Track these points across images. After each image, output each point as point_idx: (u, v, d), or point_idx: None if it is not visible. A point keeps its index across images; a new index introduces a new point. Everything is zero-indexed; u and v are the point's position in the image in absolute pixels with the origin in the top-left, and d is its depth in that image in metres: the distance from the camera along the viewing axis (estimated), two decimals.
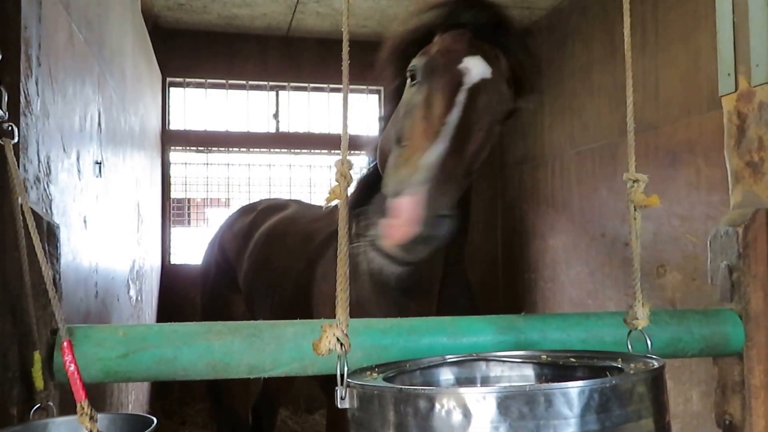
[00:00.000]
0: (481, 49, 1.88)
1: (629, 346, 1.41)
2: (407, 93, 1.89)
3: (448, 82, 1.79)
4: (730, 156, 1.86)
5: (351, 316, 1.18)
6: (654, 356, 1.20)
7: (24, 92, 1.54)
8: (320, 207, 3.71)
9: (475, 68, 1.82)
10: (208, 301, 3.85)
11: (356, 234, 2.07)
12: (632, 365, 1.16)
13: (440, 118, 1.71)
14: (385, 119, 2.18)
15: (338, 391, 1.10)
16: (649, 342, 1.39)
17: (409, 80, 1.90)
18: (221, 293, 3.66)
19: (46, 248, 1.41)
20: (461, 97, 1.76)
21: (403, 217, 1.48)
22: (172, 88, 6.06)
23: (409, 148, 1.72)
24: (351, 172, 1.18)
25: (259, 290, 3.18)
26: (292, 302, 2.77)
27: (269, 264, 3.16)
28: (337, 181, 1.16)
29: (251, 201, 4.58)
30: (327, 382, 2.21)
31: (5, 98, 1.40)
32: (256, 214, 3.70)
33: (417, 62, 1.87)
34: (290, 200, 4.14)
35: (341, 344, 1.13)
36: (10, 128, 1.40)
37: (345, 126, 1.20)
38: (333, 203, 1.20)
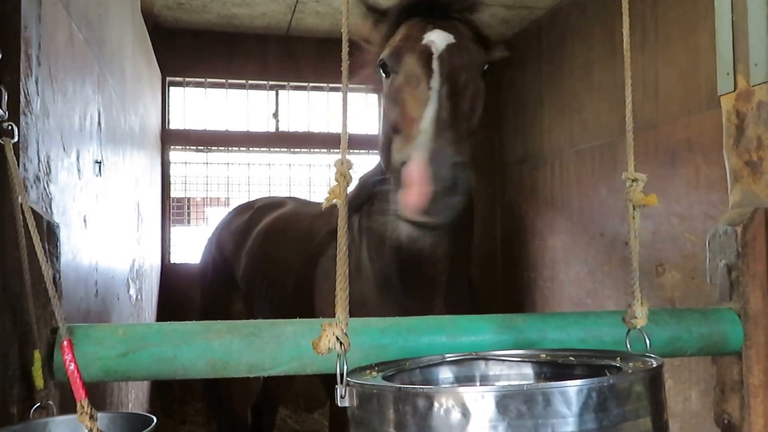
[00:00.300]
0: (437, 24, 1.96)
1: (628, 345, 1.42)
2: (386, 87, 1.97)
3: (419, 58, 1.86)
4: (729, 155, 1.86)
5: (353, 316, 1.18)
6: (653, 355, 1.20)
7: (24, 91, 1.54)
8: (317, 203, 3.76)
9: (438, 38, 1.90)
10: (207, 299, 3.86)
11: (376, 212, 2.12)
12: (631, 364, 1.16)
13: (425, 87, 1.77)
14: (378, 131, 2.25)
15: (338, 390, 1.10)
16: (647, 341, 1.39)
17: (383, 75, 1.97)
18: (220, 291, 3.67)
19: (46, 247, 1.42)
20: (436, 64, 1.83)
21: (415, 179, 1.49)
22: (171, 88, 6.06)
23: (405, 125, 1.78)
24: (350, 171, 1.18)
25: (259, 287, 3.19)
26: (292, 299, 2.78)
27: (268, 261, 3.17)
28: (336, 180, 1.17)
29: (248, 200, 4.59)
30: (329, 380, 2.23)
31: (5, 97, 1.40)
32: (253, 212, 3.71)
33: (384, 55, 1.95)
34: (287, 198, 4.15)
35: (341, 343, 1.13)
36: (10, 127, 1.40)
37: (344, 125, 1.20)
38: (332, 203, 1.20)
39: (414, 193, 1.50)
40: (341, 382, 1.11)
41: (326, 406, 5.24)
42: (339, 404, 1.10)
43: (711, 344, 1.71)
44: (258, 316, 3.23)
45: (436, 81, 1.78)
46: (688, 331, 1.69)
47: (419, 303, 2.16)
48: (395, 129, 1.87)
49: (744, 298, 1.71)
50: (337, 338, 1.14)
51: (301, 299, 2.65)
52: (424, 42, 1.89)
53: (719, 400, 1.75)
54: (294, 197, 4.31)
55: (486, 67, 1.98)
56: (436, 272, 2.17)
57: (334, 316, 2.55)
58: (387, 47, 1.98)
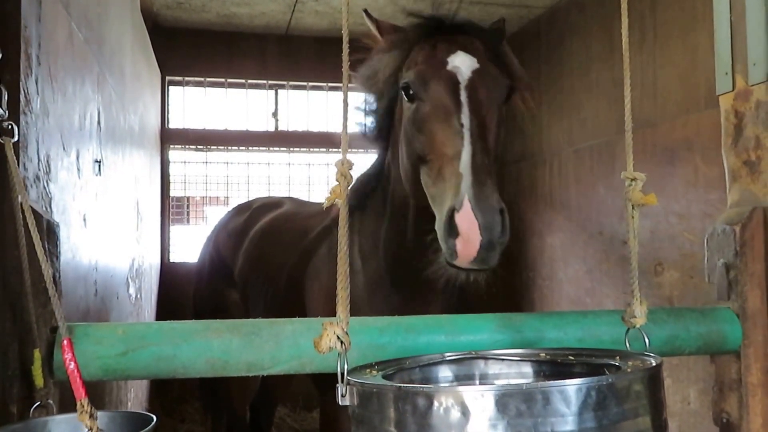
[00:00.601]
0: (458, 43, 1.92)
1: (627, 344, 1.42)
2: (409, 110, 1.92)
3: (446, 88, 1.83)
4: (728, 155, 1.87)
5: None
6: (652, 354, 1.21)
7: (24, 91, 1.55)
8: (314, 204, 3.78)
9: (463, 64, 1.87)
10: (204, 296, 3.88)
11: (424, 255, 2.11)
12: (630, 363, 1.17)
13: (456, 123, 1.75)
14: (378, 127, 2.21)
15: (338, 389, 1.11)
16: (647, 340, 1.40)
17: (404, 96, 1.92)
18: (217, 288, 3.69)
19: (46, 246, 1.42)
20: (464, 96, 1.81)
21: (466, 231, 1.53)
22: (171, 87, 6.06)
23: (438, 160, 1.75)
24: (351, 171, 1.18)
25: (255, 285, 3.23)
26: (284, 296, 2.81)
27: (264, 260, 3.20)
28: (337, 180, 1.17)
29: (247, 200, 4.60)
30: (320, 378, 2.26)
31: (5, 97, 1.41)
32: (251, 212, 3.73)
33: (409, 79, 1.90)
34: (284, 198, 4.18)
35: (341, 342, 1.14)
36: (10, 127, 1.40)
37: (345, 125, 1.21)
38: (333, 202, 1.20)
39: (467, 244, 1.54)
40: (342, 381, 1.11)
41: None
42: (340, 403, 1.11)
43: (709, 343, 1.71)
44: (253, 314, 3.28)
45: (466, 116, 1.76)
46: (687, 330, 1.70)
47: (412, 304, 2.17)
48: (422, 158, 1.84)
49: (742, 297, 1.71)
50: (338, 337, 1.14)
51: (293, 296, 2.69)
52: (449, 68, 1.86)
53: (718, 399, 1.75)
54: (292, 197, 4.34)
55: (509, 92, 1.95)
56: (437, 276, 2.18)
57: (324, 313, 2.58)
58: (410, 69, 1.93)
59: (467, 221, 1.54)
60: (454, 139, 1.72)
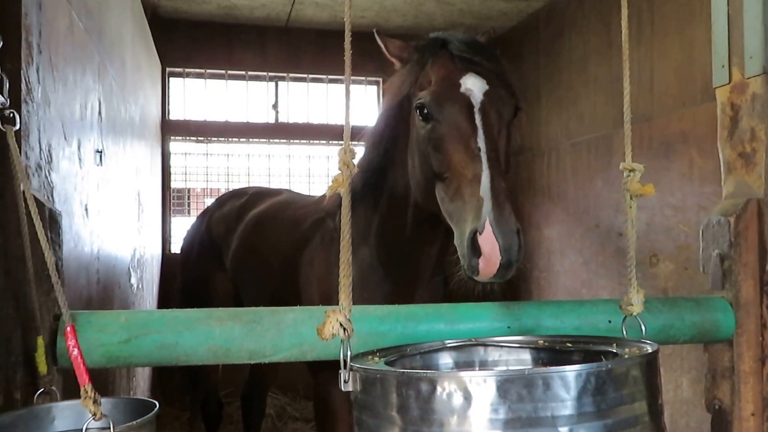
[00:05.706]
0: (468, 64, 1.98)
1: (624, 332, 1.44)
2: (424, 129, 1.97)
3: (461, 111, 1.89)
4: (723, 147, 1.89)
5: (336, 300, 1.19)
6: (648, 341, 1.23)
7: (25, 79, 1.55)
8: (310, 196, 3.81)
9: (474, 86, 1.93)
10: (190, 277, 3.92)
11: (420, 247, 2.23)
12: (627, 350, 1.19)
13: (474, 147, 1.82)
14: (380, 135, 2.27)
15: (341, 375, 1.12)
16: (643, 327, 1.42)
17: (418, 115, 1.97)
18: (205, 270, 3.73)
19: (49, 235, 1.42)
20: (478, 119, 1.87)
21: (488, 251, 1.63)
22: (171, 78, 6.04)
23: (456, 180, 1.82)
24: (353, 160, 1.20)
25: (247, 269, 3.29)
26: (279, 280, 2.86)
27: (259, 245, 3.24)
28: (339, 169, 1.18)
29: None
30: (314, 366, 2.30)
31: (6, 85, 1.41)
32: (249, 197, 3.77)
33: (423, 99, 1.96)
34: (281, 189, 4.24)
35: (344, 329, 1.15)
36: (11, 115, 1.39)
37: (347, 115, 1.22)
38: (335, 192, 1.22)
39: (488, 263, 1.64)
40: (345, 367, 1.12)
41: None
42: (342, 389, 1.12)
43: (703, 332, 1.73)
44: (243, 296, 3.36)
45: (482, 140, 1.82)
46: (681, 319, 1.72)
47: (400, 289, 2.28)
48: (439, 175, 1.91)
49: (736, 287, 1.73)
50: (341, 324, 1.15)
51: (287, 280, 2.75)
52: (462, 90, 1.91)
53: (710, 386, 1.78)
54: (288, 189, 4.39)
55: (516, 112, 2.01)
56: (428, 265, 2.31)
57: (317, 297, 2.61)
58: (423, 89, 1.98)
59: (489, 243, 1.63)
60: (473, 163, 1.79)
